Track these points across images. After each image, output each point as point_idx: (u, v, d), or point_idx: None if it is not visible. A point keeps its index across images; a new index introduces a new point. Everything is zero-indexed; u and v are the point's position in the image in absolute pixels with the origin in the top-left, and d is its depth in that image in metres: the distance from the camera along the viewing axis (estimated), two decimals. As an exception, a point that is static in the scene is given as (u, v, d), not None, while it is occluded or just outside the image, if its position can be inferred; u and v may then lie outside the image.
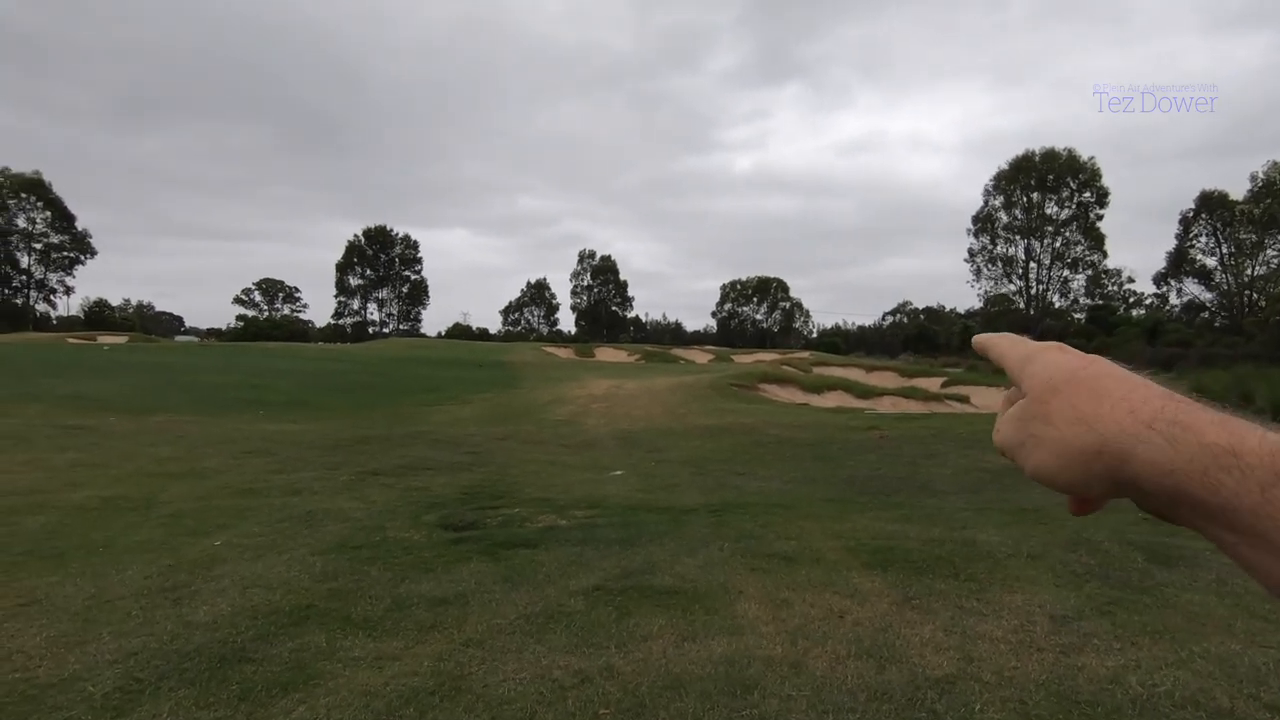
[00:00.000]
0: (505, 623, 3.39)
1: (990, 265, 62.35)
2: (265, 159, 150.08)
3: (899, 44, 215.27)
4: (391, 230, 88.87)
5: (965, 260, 63.12)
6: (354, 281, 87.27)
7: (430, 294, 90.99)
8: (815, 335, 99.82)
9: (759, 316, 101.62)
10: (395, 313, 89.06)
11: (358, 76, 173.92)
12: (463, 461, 8.57)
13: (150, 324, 79.29)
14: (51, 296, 71.13)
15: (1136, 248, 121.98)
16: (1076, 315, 62.33)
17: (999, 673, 2.88)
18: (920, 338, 77.31)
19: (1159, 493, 0.35)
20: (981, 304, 64.82)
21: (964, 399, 19.09)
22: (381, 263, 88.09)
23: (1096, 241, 59.25)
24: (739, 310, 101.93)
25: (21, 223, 67.96)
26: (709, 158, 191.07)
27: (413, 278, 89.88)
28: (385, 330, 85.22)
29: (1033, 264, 60.99)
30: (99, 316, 73.43)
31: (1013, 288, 62.22)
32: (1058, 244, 59.98)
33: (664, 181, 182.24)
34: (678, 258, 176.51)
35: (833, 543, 4.87)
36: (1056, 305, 61.86)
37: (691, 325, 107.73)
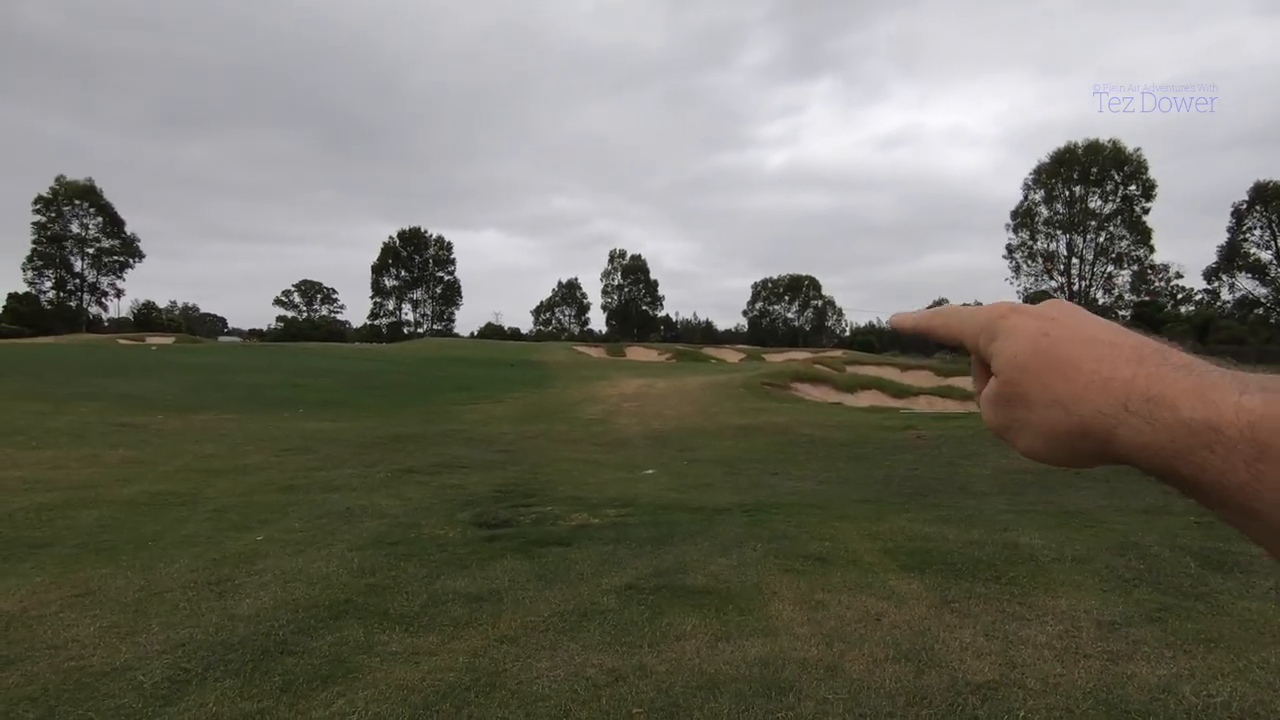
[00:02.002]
0: (539, 620, 3.41)
1: (1030, 261, 60.79)
2: (304, 164, 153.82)
3: (936, 35, 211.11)
4: (425, 232, 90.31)
5: (1004, 256, 61.62)
6: (389, 283, 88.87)
7: (463, 294, 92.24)
8: (848, 334, 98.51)
9: (790, 315, 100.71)
10: (429, 313, 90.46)
11: (393, 82, 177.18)
12: (496, 460, 8.66)
13: (195, 325, 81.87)
14: (103, 299, 73.93)
15: (1186, 241, 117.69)
16: (1121, 312, 60.39)
17: (1043, 679, 2.80)
18: (957, 336, 75.56)
19: (1150, 470, 0.33)
20: (1020, 301, 63.24)
21: (1003, 398, 18.64)
22: (416, 264, 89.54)
23: (1142, 236, 57.33)
24: (770, 309, 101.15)
25: (75, 228, 70.76)
26: (741, 154, 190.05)
27: (446, 278, 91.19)
28: (419, 330, 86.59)
29: (1074, 260, 59.28)
30: (147, 318, 76.09)
31: (1053, 284, 60.51)
32: (1101, 239, 58.20)
33: (695, 179, 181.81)
34: (708, 256, 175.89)
35: (869, 544, 4.79)
36: (1100, 302, 60.01)
37: (722, 324, 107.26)
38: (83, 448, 8.91)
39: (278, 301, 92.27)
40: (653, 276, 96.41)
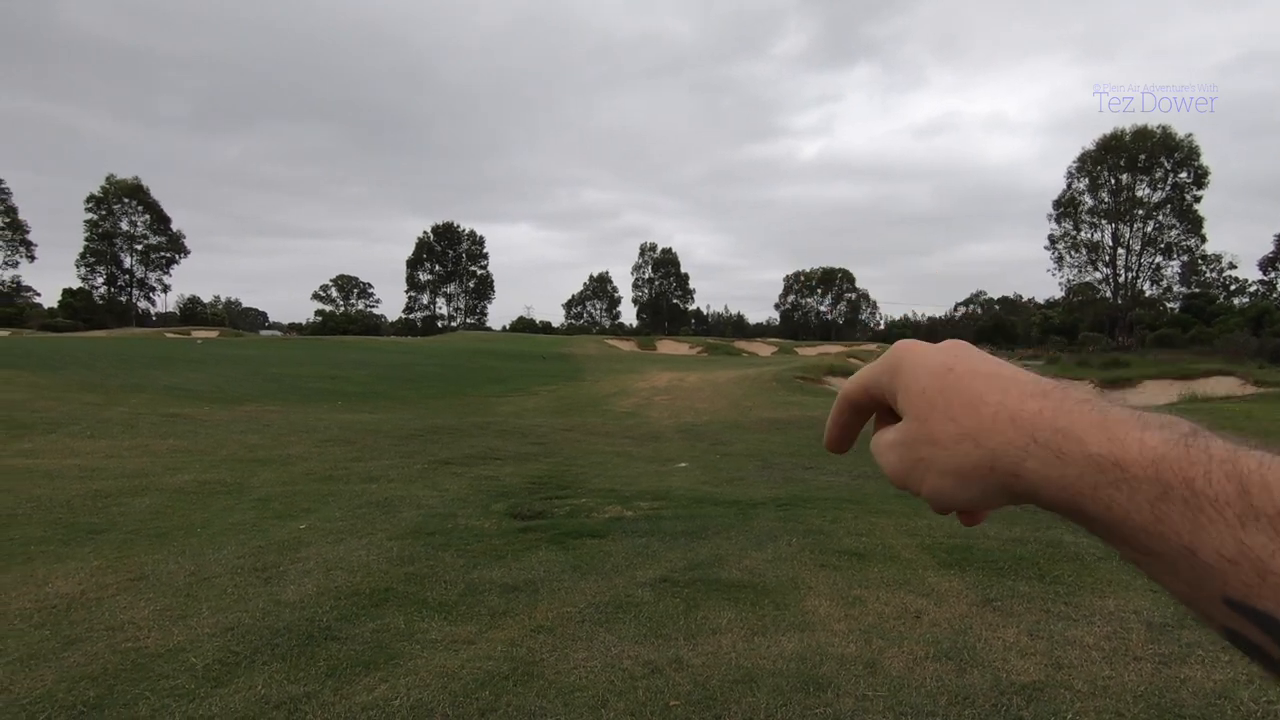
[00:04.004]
0: (575, 611, 3.43)
1: (1073, 252, 58.95)
2: (340, 159, 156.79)
3: (977, 19, 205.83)
4: (458, 226, 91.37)
5: (1046, 247, 59.87)
6: (423, 277, 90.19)
7: (495, 288, 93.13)
8: (883, 327, 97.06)
9: (823, 308, 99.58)
10: (462, 307, 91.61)
11: (426, 76, 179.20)
12: (530, 452, 8.74)
13: (238, 319, 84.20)
14: (151, 294, 76.44)
15: (1240, 230, 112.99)
16: (1170, 304, 58.37)
17: (1092, 681, 2.72)
18: (996, 329, 74.00)
19: (1056, 507, 0.32)
20: (1064, 293, 61.42)
21: (1044, 393, 18.16)
22: (449, 259, 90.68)
23: (1193, 225, 55.16)
24: (802, 302, 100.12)
25: (125, 226, 73.24)
26: (773, 145, 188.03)
27: (479, 273, 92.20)
28: (453, 324, 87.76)
29: (1121, 250, 57.31)
30: (192, 312, 78.47)
31: (1098, 275, 58.65)
32: (1149, 228, 56.15)
33: (726, 171, 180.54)
34: (740, 249, 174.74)
35: (906, 540, 4.72)
36: (1147, 293, 58.03)
37: (754, 317, 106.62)
38: (135, 437, 9.23)
39: (315, 296, 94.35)
40: (683, 270, 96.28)
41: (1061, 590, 3.74)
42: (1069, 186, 58.46)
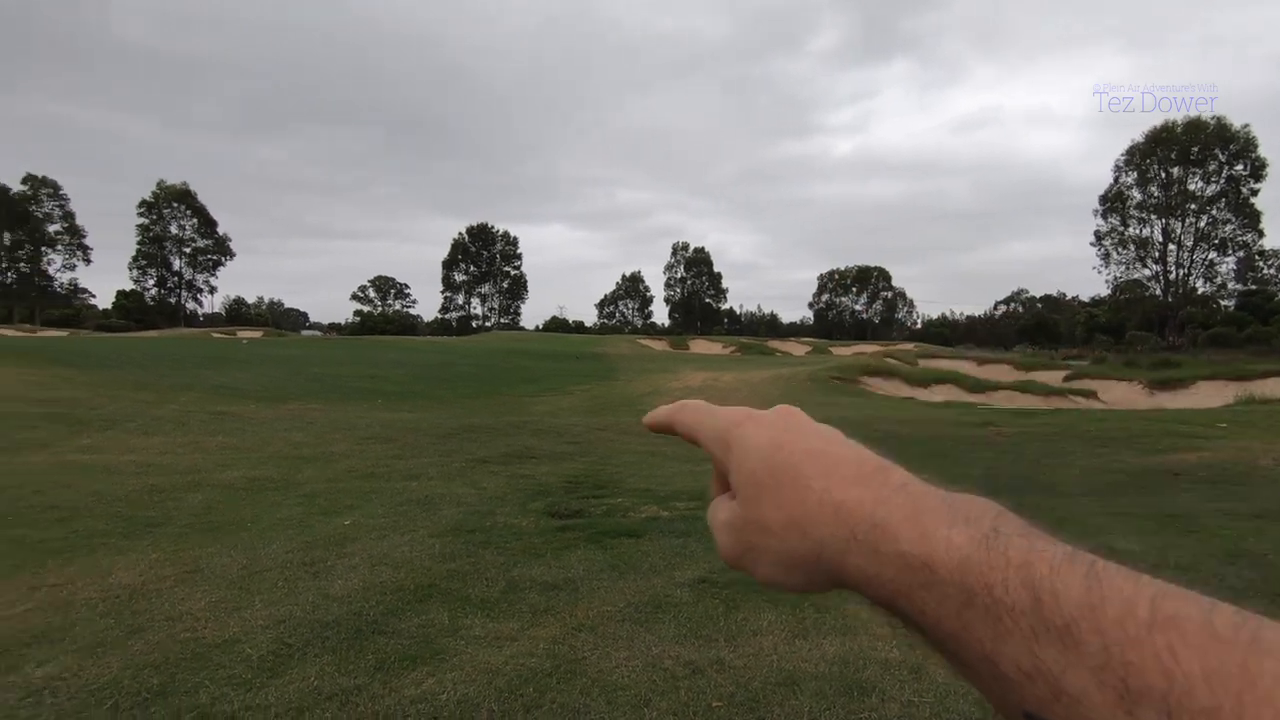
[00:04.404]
0: (614, 610, 3.45)
1: (1121, 248, 57.10)
2: (377, 162, 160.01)
3: (1018, 10, 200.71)
4: (492, 227, 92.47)
5: (1092, 244, 58.10)
6: (459, 278, 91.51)
7: (529, 288, 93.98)
8: (920, 326, 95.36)
9: (858, 307, 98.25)
10: (496, 307, 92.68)
11: (460, 79, 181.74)
12: (565, 451, 8.81)
13: (280, 319, 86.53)
14: (198, 295, 79.05)
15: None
16: (1224, 302, 56.17)
17: (1147, 692, 2.64)
18: (1038, 328, 72.10)
19: (879, 604, 0.30)
20: (1110, 291, 59.55)
21: (1090, 394, 17.64)
22: (484, 259, 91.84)
23: (1250, 219, 52.97)
24: (837, 301, 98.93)
25: (174, 229, 75.86)
26: (807, 143, 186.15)
27: (513, 273, 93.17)
28: (487, 324, 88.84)
29: (1171, 246, 55.31)
30: (237, 313, 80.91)
31: (1147, 272, 56.72)
32: (1202, 223, 54.09)
33: (760, 169, 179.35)
34: (773, 248, 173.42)
35: (949, 544, 4.65)
36: (1200, 291, 55.90)
37: (787, 317, 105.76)
38: (186, 434, 9.56)
39: (354, 296, 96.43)
40: (716, 269, 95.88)
41: (1113, 598, 3.64)
42: (1116, 181, 56.67)
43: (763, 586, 0.36)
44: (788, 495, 0.33)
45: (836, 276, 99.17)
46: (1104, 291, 61.88)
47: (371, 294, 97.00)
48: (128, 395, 13.16)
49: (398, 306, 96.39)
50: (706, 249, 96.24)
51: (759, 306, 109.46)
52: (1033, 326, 73.50)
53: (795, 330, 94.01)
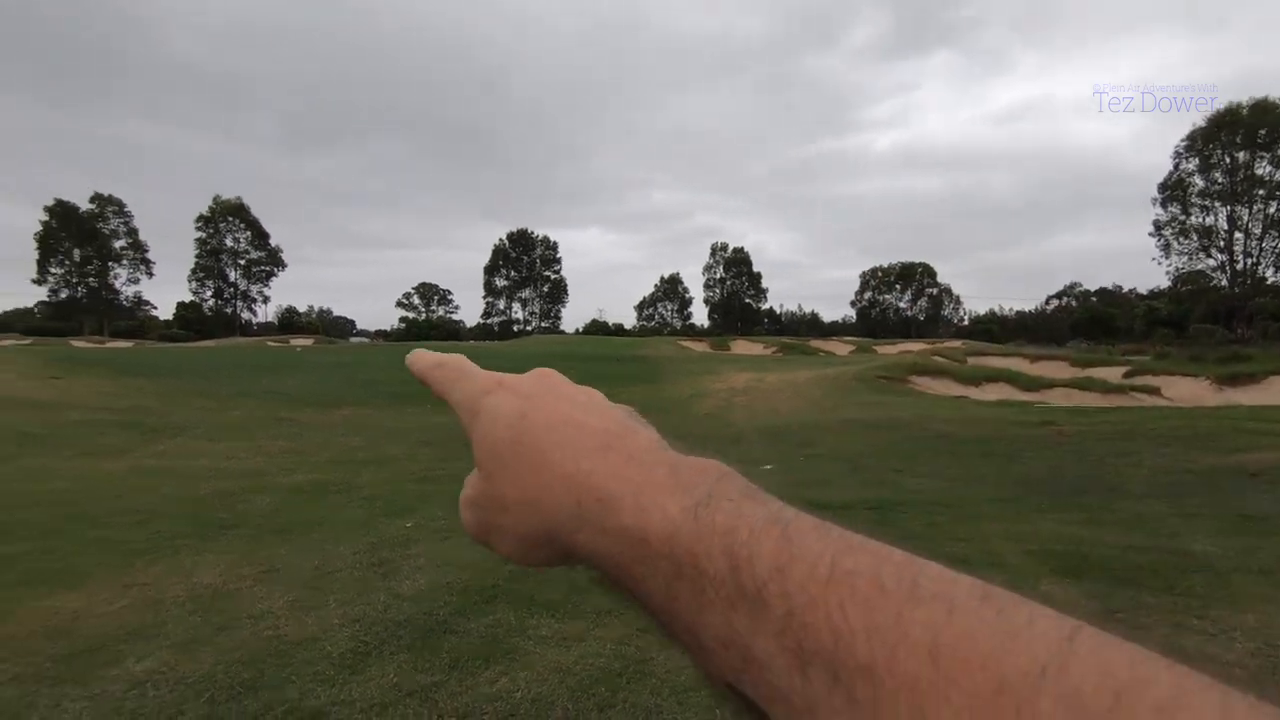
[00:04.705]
0: (677, 612, 3.48)
1: (1182, 238, 54.64)
2: (420, 171, 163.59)
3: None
4: (532, 233, 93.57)
5: (1150, 234, 55.71)
6: (500, 283, 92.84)
7: (568, 292, 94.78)
8: (966, 323, 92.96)
9: (902, 304, 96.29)
10: (537, 311, 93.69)
11: (499, 87, 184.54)
12: (614, 454, 8.87)
13: (329, 327, 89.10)
14: (252, 305, 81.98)
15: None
16: (1296, 292, 53.24)
17: (1238, 701, 2.55)
18: (1093, 322, 69.55)
19: (610, 580, 0.29)
20: (1171, 282, 57.08)
21: (1154, 390, 16.95)
22: (524, 264, 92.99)
23: (1325, 204, 50.12)
24: (880, 298, 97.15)
25: (229, 242, 78.90)
26: (846, 139, 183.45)
27: (552, 277, 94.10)
28: (528, 328, 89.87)
29: (1238, 234, 52.70)
30: (289, 321, 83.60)
31: (1212, 262, 54.12)
32: (1272, 209, 51.39)
33: (798, 167, 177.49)
34: (813, 246, 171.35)
35: (1011, 546, 4.54)
36: (1269, 280, 53.11)
37: (829, 315, 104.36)
38: (249, 440, 9.95)
39: (399, 303, 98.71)
40: (755, 269, 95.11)
41: (1194, 603, 3.50)
42: (1176, 168, 54.26)
43: (509, 561, 0.34)
44: (526, 471, 0.31)
45: (879, 274, 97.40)
46: (1164, 283, 59.36)
47: (416, 300, 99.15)
48: (193, 403, 13.75)
49: (441, 312, 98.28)
50: (745, 249, 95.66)
51: (799, 306, 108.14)
52: (1087, 321, 70.91)
53: (837, 329, 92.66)
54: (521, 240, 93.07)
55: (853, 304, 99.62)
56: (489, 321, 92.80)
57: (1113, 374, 19.23)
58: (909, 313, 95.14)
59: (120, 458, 8.26)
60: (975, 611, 0.19)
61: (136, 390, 14.71)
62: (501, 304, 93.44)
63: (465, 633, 3.27)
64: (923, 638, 0.19)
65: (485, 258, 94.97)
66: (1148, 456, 7.83)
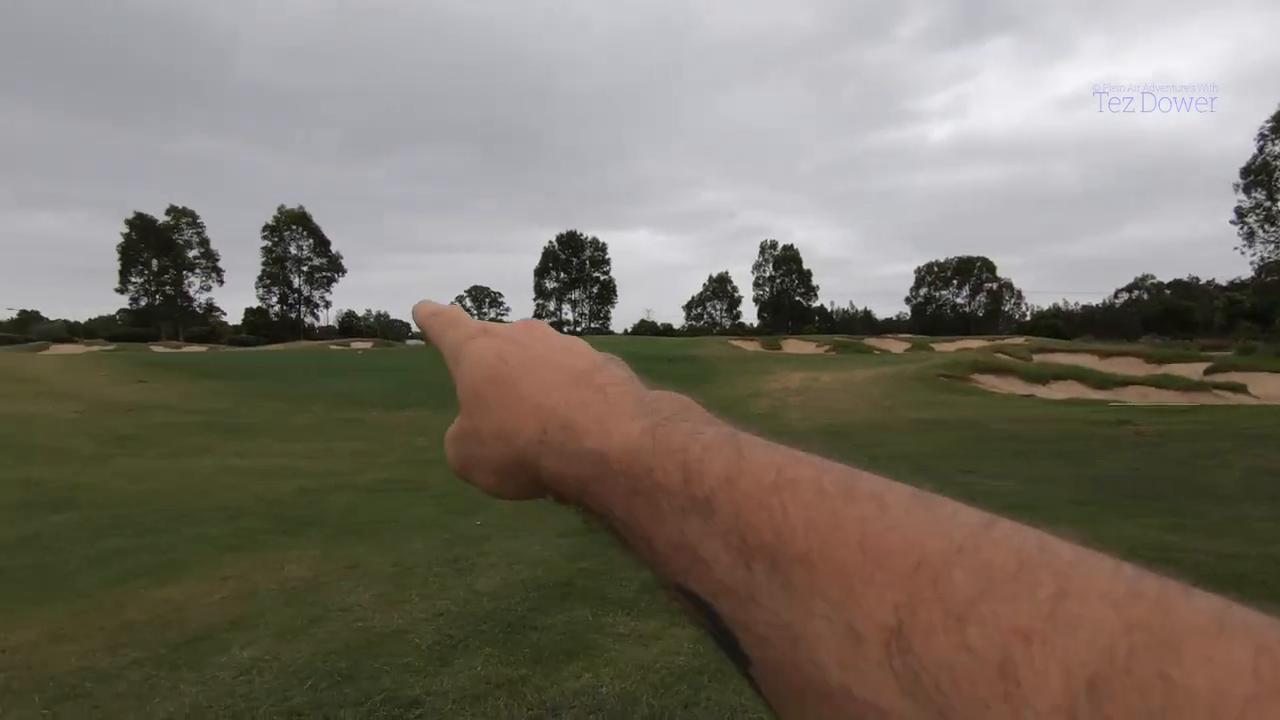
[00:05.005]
0: (751, 612, 3.49)
1: (1268, 225, 51.28)
2: (471, 176, 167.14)
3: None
4: (581, 234, 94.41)
5: (1232, 222, 52.50)
6: (549, 285, 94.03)
7: (617, 293, 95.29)
8: (1029, 318, 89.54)
9: (960, 300, 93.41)
10: (586, 312, 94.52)
11: (547, 91, 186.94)
12: (672, 454, 8.91)
13: (387, 330, 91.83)
14: (315, 310, 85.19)
15: None
16: (1399, 281, 49.36)
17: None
18: (1167, 316, 66.06)
19: (572, 503, 0.31)
20: (1255, 272, 53.69)
21: (1239, 388, 16.01)
22: (573, 266, 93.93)
23: None
24: (936, 294, 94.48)
25: (293, 250, 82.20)
26: (899, 131, 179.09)
27: (601, 279, 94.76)
28: (578, 329, 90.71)
29: (1332, 220, 49.18)
30: (349, 325, 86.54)
31: (1297, 251, 50.66)
32: (1367, 192, 47.81)
33: (849, 162, 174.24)
34: (865, 241, 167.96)
35: (1097, 549, 4.38)
36: (1368, 269, 49.40)
37: (882, 313, 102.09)
38: (320, 440, 10.37)
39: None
40: (806, 266, 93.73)
41: (1302, 613, 3.32)
42: (1261, 151, 50.95)
43: (488, 495, 0.37)
44: (500, 406, 0.34)
45: (935, 269, 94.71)
46: (1246, 274, 55.77)
47: (468, 304, 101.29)
48: (267, 405, 14.40)
49: (493, 315, 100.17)
50: (795, 246, 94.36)
51: (851, 303, 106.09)
52: (1161, 315, 67.41)
53: (892, 326, 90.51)
54: (571, 242, 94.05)
55: (907, 300, 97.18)
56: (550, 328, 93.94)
57: (1192, 371, 18.25)
58: (967, 309, 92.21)
59: (205, 457, 8.73)
60: (903, 506, 0.21)
61: (215, 393, 15.49)
62: (551, 305, 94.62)
63: (545, 628, 3.35)
64: (854, 529, 0.21)
65: (535, 260, 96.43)
66: (1237, 458, 7.42)
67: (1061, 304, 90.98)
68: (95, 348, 42.72)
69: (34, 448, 8.98)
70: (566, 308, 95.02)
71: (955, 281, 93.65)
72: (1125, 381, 16.65)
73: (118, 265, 73.64)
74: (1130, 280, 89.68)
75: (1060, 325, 74.21)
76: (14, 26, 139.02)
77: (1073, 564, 0.18)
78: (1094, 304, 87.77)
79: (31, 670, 3.09)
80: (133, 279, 74.47)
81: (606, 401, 0.31)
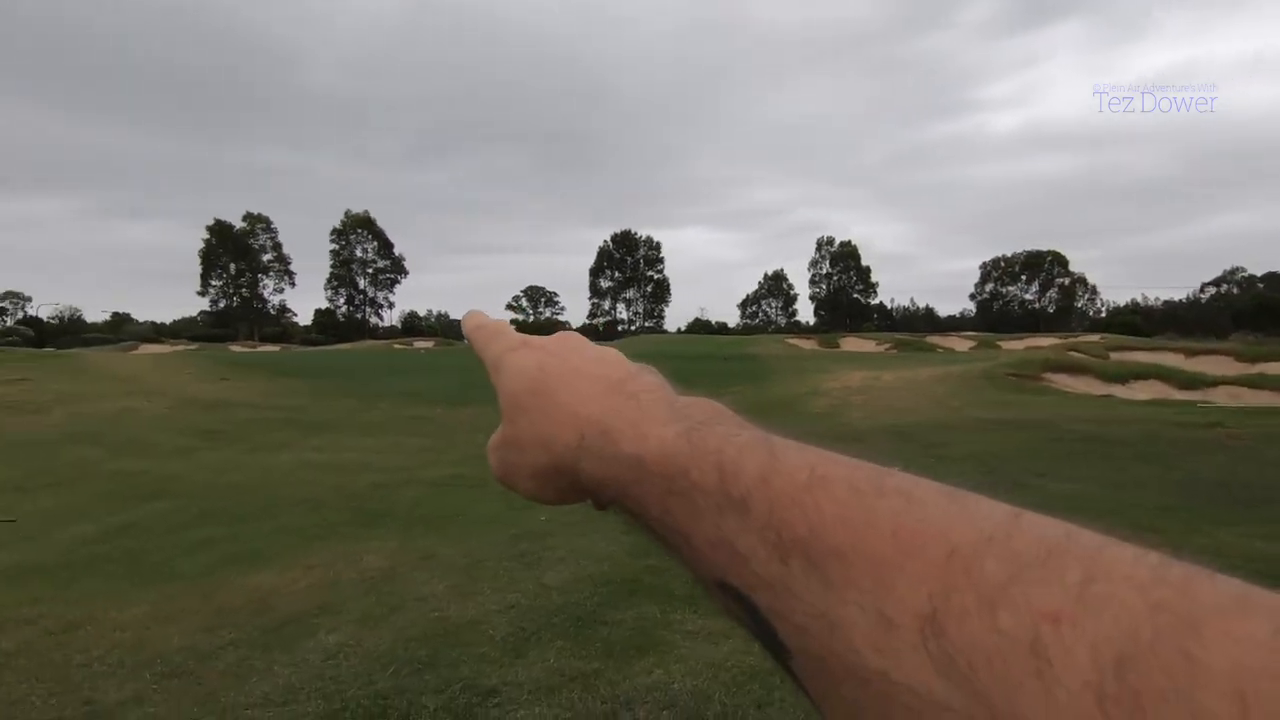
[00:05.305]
0: (821, 614, 3.45)
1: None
2: (526, 179, 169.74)
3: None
4: (635, 234, 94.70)
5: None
6: (604, 284, 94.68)
7: (671, 291, 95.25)
8: (1104, 314, 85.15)
9: (1029, 296, 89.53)
10: (640, 311, 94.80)
11: (599, 92, 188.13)
12: (732, 453, 8.86)
13: (447, 329, 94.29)
14: (379, 310, 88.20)
15: None
16: None
17: None
18: (1261, 311, 61.71)
19: (613, 506, 0.33)
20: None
21: (1344, 388, 14.82)
22: (628, 265, 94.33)
23: None
24: (1003, 290, 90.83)
25: (359, 253, 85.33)
26: (961, 121, 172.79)
27: (656, 277, 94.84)
28: (632, 328, 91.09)
29: None
30: (411, 325, 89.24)
31: None
32: None
33: (909, 154, 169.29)
34: (926, 236, 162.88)
35: (1192, 560, 4.14)
36: None
37: (945, 310, 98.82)
38: (390, 436, 10.75)
39: (509, 306, 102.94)
40: (864, 262, 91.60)
41: None
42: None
43: (528, 500, 0.38)
44: (539, 415, 0.35)
45: (1002, 264, 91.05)
46: (1352, 265, 51.58)
47: (524, 303, 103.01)
48: (339, 402, 15.00)
49: (548, 314, 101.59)
50: (853, 242, 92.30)
51: (912, 300, 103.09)
52: (1254, 310, 63.02)
53: (955, 324, 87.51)
54: (625, 241, 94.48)
55: (972, 297, 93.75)
56: (594, 322, 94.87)
57: None
58: (1036, 305, 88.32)
59: (285, 451, 9.17)
60: (933, 501, 0.22)
61: (291, 390, 16.23)
62: (606, 304, 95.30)
63: (615, 624, 3.40)
64: (887, 523, 0.22)
65: (588, 260, 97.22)
66: (1347, 463, 6.89)
67: (1140, 299, 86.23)
68: (180, 347, 45.35)
69: (128, 441, 9.61)
70: (621, 306, 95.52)
71: (1024, 277, 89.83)
72: (1215, 381, 15.64)
73: (199, 269, 77.98)
74: (1219, 273, 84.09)
75: (1139, 322, 70.33)
76: (114, 60, 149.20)
77: (1098, 550, 0.19)
78: (1177, 299, 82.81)
79: (140, 648, 3.32)
80: (212, 282, 78.68)
81: (641, 408, 0.33)
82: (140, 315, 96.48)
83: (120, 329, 78.52)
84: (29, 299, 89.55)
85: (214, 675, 3.01)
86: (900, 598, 0.20)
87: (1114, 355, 21.26)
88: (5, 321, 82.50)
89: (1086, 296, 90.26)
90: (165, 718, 2.70)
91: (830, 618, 0.22)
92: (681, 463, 0.28)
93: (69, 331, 70.06)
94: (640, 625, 3.37)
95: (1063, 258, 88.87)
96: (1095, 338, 33.26)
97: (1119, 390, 15.33)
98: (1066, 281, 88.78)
